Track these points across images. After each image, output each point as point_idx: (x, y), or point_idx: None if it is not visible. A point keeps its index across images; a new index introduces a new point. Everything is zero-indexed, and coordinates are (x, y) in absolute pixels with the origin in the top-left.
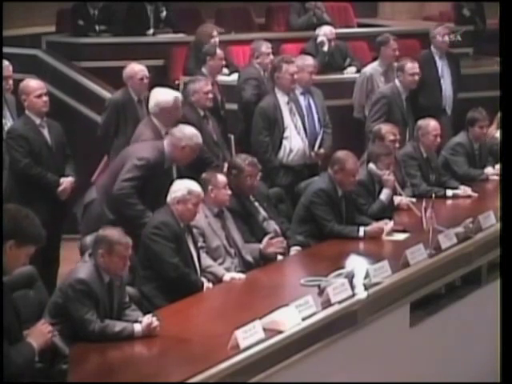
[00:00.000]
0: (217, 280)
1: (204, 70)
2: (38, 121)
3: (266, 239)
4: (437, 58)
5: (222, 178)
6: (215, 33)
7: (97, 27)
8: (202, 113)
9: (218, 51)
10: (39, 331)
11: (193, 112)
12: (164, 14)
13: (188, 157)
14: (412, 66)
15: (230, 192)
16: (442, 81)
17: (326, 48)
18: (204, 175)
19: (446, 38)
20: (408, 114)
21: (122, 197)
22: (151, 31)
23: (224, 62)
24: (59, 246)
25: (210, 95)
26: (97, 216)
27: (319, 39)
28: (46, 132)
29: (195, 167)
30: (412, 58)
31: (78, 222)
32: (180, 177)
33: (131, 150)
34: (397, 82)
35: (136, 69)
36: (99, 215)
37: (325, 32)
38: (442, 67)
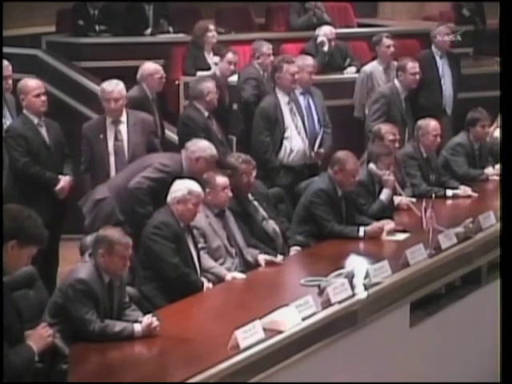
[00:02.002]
0: (218, 280)
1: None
2: (36, 120)
3: (261, 259)
4: (437, 58)
5: (221, 179)
6: (211, 27)
7: (97, 27)
8: (206, 113)
9: (230, 54)
10: (39, 335)
11: (197, 113)
12: (152, 12)
13: (203, 169)
14: (413, 66)
15: (230, 194)
16: (442, 81)
17: (326, 48)
18: (204, 176)
19: (447, 38)
20: (407, 114)
21: (138, 192)
22: (149, 31)
23: (232, 67)
24: (58, 245)
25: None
26: (106, 215)
27: (319, 39)
28: (44, 131)
29: None
30: (412, 58)
31: (78, 220)
32: None
33: (153, 158)
34: (396, 81)
35: (154, 68)
36: (109, 214)
37: (325, 32)
38: (443, 67)
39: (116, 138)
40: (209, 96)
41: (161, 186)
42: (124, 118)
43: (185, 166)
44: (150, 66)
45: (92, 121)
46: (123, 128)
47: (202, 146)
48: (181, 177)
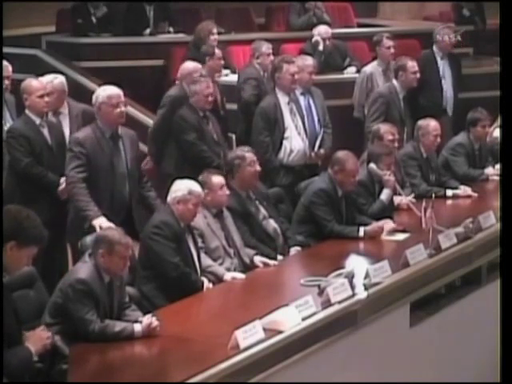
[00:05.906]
0: (217, 280)
1: (203, 71)
2: (38, 120)
3: (257, 260)
4: (438, 59)
5: (217, 179)
6: (215, 30)
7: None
8: (201, 113)
9: (217, 51)
10: (38, 336)
11: (192, 112)
12: (152, 13)
13: (112, 112)
14: (413, 65)
15: (227, 192)
16: (443, 81)
17: (320, 47)
18: (200, 178)
19: (450, 40)
20: (405, 114)
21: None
22: (147, 31)
23: (223, 62)
24: (61, 245)
25: (211, 98)
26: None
27: (314, 39)
28: (46, 132)
29: (197, 167)
30: (411, 57)
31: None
32: (180, 177)
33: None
34: (394, 81)
35: (193, 66)
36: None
37: (319, 32)
38: (444, 68)
39: None
40: (194, 97)
41: (87, 168)
42: (66, 110)
43: (100, 121)
44: (189, 65)
45: None
46: (64, 119)
47: (98, 91)
48: (100, 136)
